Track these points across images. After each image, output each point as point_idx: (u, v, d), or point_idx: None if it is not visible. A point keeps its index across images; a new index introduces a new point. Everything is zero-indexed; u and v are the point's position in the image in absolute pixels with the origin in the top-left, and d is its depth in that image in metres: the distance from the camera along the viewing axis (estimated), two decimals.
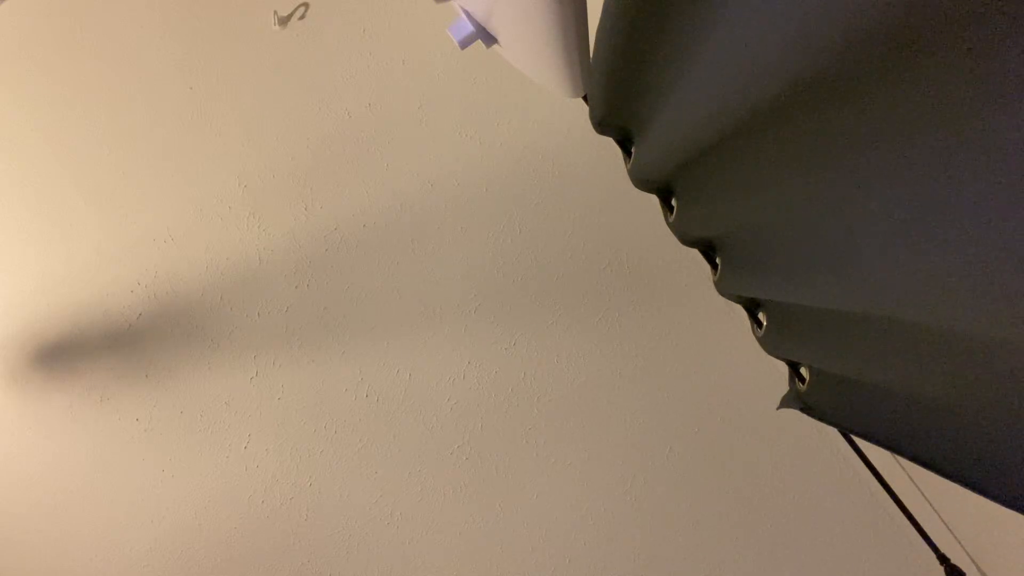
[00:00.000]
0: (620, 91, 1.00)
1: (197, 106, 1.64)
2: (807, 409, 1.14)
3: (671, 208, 1.18)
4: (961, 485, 0.72)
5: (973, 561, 1.24)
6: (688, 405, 1.60)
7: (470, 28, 0.99)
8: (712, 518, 1.57)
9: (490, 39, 1.02)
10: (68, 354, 1.58)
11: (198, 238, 1.61)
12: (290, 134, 1.64)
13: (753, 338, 1.20)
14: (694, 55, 0.69)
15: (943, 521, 1.28)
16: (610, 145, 1.27)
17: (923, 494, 1.29)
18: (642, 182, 1.19)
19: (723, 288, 1.16)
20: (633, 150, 1.17)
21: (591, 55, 0.94)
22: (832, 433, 1.42)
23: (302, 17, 1.66)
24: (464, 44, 1.00)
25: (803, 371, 1.15)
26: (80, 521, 1.55)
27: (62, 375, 1.58)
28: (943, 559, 1.09)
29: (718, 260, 1.16)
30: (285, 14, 1.65)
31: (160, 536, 1.55)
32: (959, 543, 1.25)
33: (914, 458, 0.82)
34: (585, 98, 1.15)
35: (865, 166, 0.51)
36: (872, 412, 0.91)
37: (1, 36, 1.63)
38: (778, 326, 1.10)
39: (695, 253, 1.22)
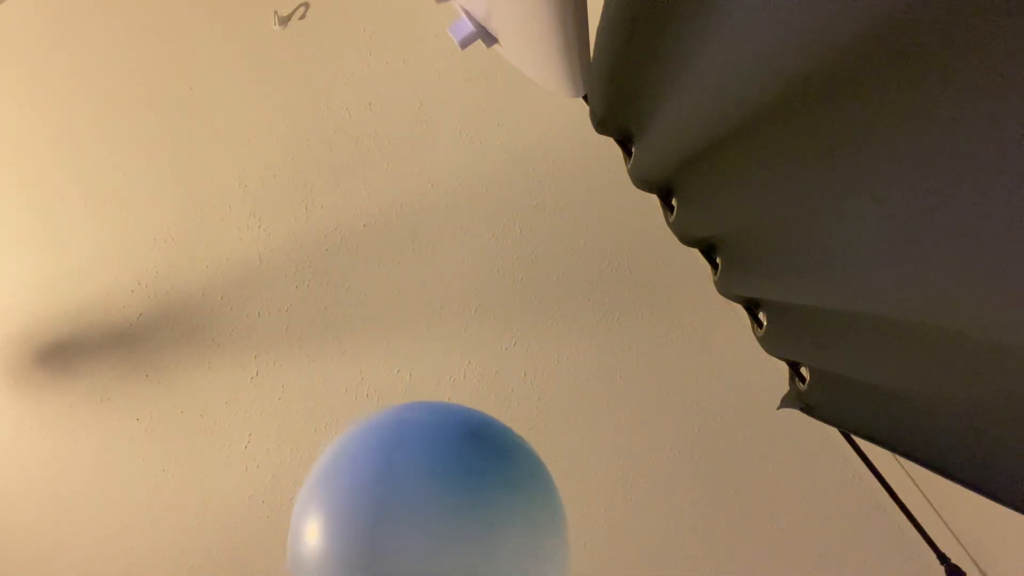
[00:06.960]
0: (620, 91, 1.00)
1: (197, 106, 1.64)
2: (807, 409, 1.14)
3: (671, 208, 1.18)
4: (961, 485, 0.72)
5: (973, 561, 1.24)
6: (688, 405, 1.60)
7: (470, 28, 0.99)
8: (712, 517, 1.57)
9: (490, 39, 1.02)
10: (68, 354, 1.58)
11: (198, 238, 1.61)
12: (290, 134, 1.64)
13: (753, 338, 1.20)
14: (694, 55, 0.69)
15: (943, 521, 1.27)
16: (610, 145, 1.27)
17: (923, 494, 1.28)
18: (642, 182, 1.19)
19: (723, 288, 1.16)
20: (633, 150, 1.17)
21: (591, 55, 0.94)
22: (833, 433, 1.42)
23: (302, 17, 1.66)
24: (464, 44, 1.00)
25: (803, 371, 1.15)
26: (80, 521, 1.55)
27: (62, 375, 1.58)
28: (944, 559, 1.09)
29: (718, 260, 1.16)
30: (285, 14, 1.65)
31: (160, 535, 1.55)
32: (959, 543, 1.25)
33: (914, 458, 0.82)
34: (585, 98, 1.15)
35: (864, 166, 0.51)
36: (872, 412, 0.91)
37: (1, 36, 1.63)
38: (778, 326, 1.10)
39: (695, 253, 1.22)
